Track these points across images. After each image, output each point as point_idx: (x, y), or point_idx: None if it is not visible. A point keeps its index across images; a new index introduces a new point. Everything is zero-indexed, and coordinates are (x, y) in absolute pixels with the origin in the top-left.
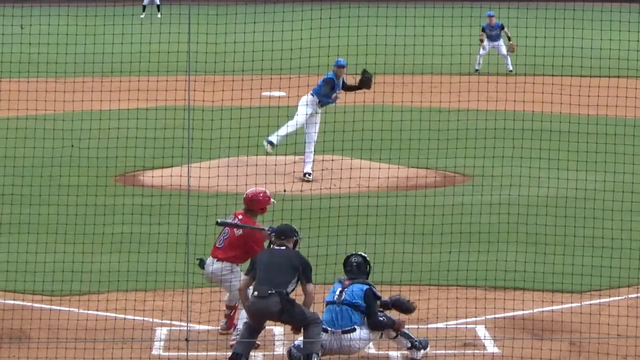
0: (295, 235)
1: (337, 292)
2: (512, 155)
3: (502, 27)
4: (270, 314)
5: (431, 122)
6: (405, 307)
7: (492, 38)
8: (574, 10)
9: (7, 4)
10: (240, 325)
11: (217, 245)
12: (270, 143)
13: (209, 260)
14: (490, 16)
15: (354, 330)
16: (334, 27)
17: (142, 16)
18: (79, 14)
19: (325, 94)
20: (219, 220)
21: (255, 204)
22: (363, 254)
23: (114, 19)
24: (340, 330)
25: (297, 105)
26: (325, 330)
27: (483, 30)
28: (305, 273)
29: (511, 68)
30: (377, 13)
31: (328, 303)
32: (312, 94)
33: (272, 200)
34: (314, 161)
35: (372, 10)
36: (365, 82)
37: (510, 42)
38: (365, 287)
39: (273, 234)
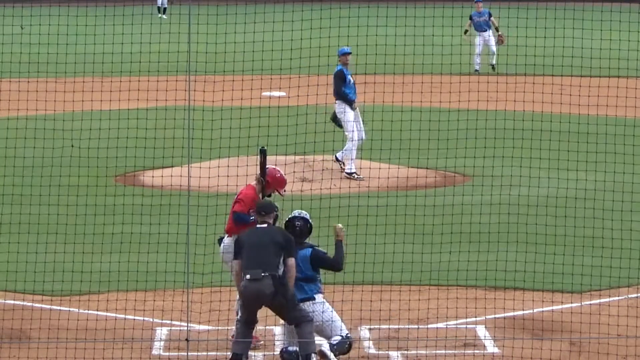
0: (275, 210)
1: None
2: (512, 155)
3: (490, 15)
4: (264, 297)
5: (431, 122)
6: None
7: (480, 26)
8: (574, 10)
9: (7, 4)
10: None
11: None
12: (350, 174)
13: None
14: (477, 2)
15: (313, 298)
16: (334, 27)
17: (164, 17)
18: (79, 14)
19: (342, 87)
20: (263, 148)
21: (271, 178)
22: (305, 216)
23: (114, 19)
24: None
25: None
26: None
27: (470, 18)
28: (288, 248)
29: (494, 62)
30: (377, 13)
31: None
32: (337, 101)
33: (284, 189)
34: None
35: (372, 10)
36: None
37: (499, 34)
38: (308, 250)
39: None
